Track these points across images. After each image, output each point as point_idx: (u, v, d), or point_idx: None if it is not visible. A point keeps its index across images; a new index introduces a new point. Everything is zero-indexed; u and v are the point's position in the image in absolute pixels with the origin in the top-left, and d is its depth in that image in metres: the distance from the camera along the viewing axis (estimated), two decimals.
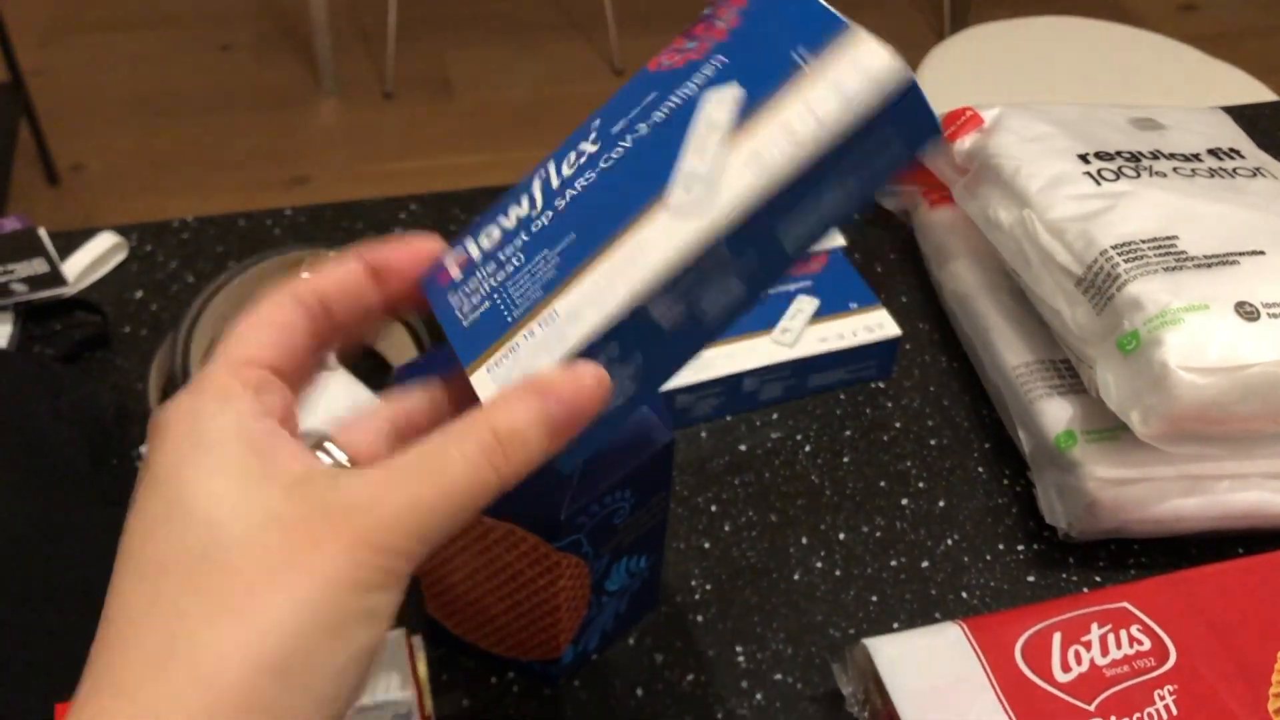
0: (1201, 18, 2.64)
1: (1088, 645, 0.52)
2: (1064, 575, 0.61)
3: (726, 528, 0.62)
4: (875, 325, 0.68)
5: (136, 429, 0.64)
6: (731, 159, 0.31)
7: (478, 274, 0.35)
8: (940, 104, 1.21)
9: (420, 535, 0.30)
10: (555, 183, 0.35)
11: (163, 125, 2.20)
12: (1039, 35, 1.36)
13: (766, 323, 0.68)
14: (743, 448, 0.66)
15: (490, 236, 0.35)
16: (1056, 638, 0.52)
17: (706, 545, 0.61)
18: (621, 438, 0.47)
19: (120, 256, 0.75)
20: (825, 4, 0.32)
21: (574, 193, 0.34)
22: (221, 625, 0.28)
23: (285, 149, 2.17)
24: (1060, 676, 0.50)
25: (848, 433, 0.68)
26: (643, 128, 0.34)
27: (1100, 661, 0.51)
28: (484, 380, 0.33)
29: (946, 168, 0.72)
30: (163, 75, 2.32)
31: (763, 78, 0.32)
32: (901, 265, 0.79)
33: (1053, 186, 0.64)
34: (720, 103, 0.32)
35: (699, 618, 0.58)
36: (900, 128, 0.31)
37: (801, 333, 0.68)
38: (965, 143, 0.69)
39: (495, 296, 0.34)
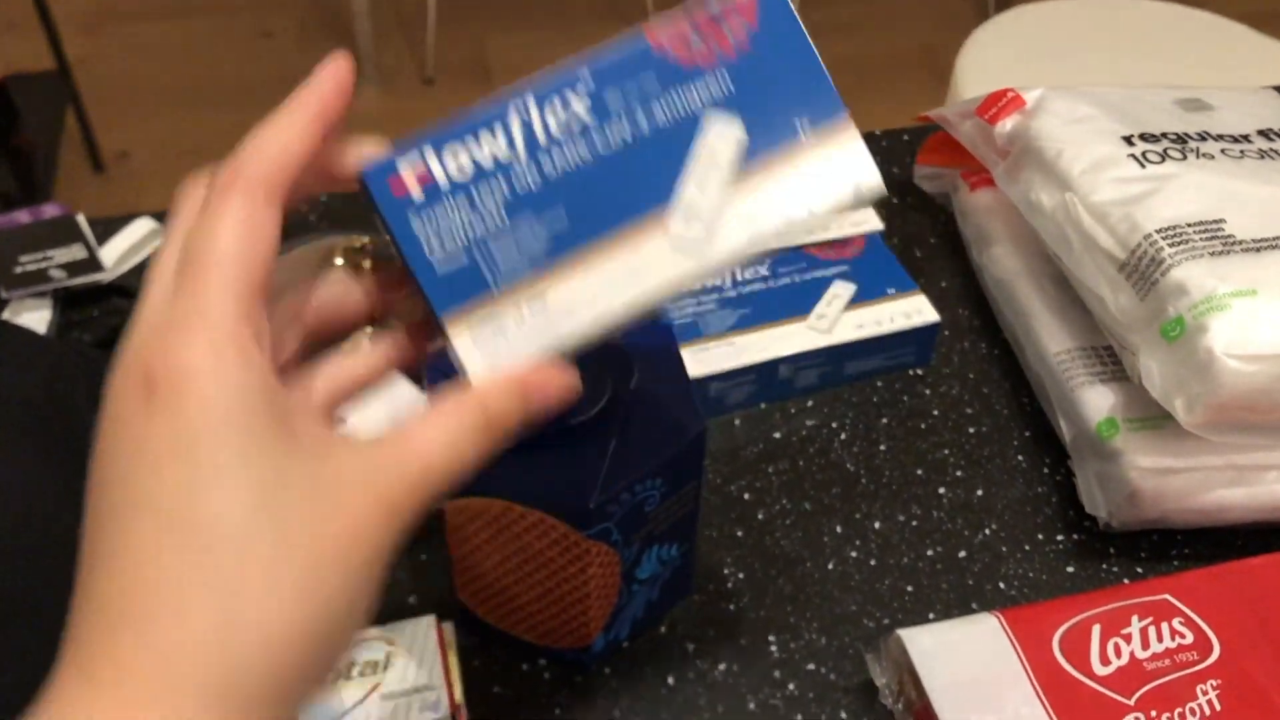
0: None
1: (1128, 638, 0.51)
2: (1104, 566, 0.60)
3: (760, 516, 0.62)
4: (913, 311, 0.67)
5: None
6: (730, 208, 0.34)
7: (446, 206, 0.33)
8: (986, 85, 1.19)
9: (425, 502, 0.31)
10: (541, 136, 0.33)
11: (206, 112, 2.22)
12: (1085, 14, 1.33)
13: (802, 308, 0.67)
14: (777, 435, 0.66)
15: (460, 164, 0.33)
16: (1096, 630, 0.51)
17: (739, 534, 0.61)
18: (653, 427, 0.47)
19: (157, 242, 0.76)
20: (831, 83, 0.35)
21: (565, 165, 0.34)
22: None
23: None
24: (1099, 669, 0.49)
25: (884, 420, 0.67)
26: (643, 121, 0.34)
27: (1141, 655, 0.50)
28: (469, 349, 0.33)
29: (988, 150, 0.70)
30: (206, 63, 2.34)
31: (765, 131, 0.35)
32: (941, 250, 0.77)
33: (1096, 169, 0.62)
34: (724, 138, 0.35)
35: (731, 606, 0.58)
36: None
37: (838, 319, 0.67)
38: (1006, 125, 0.68)
39: (475, 251, 0.33)
